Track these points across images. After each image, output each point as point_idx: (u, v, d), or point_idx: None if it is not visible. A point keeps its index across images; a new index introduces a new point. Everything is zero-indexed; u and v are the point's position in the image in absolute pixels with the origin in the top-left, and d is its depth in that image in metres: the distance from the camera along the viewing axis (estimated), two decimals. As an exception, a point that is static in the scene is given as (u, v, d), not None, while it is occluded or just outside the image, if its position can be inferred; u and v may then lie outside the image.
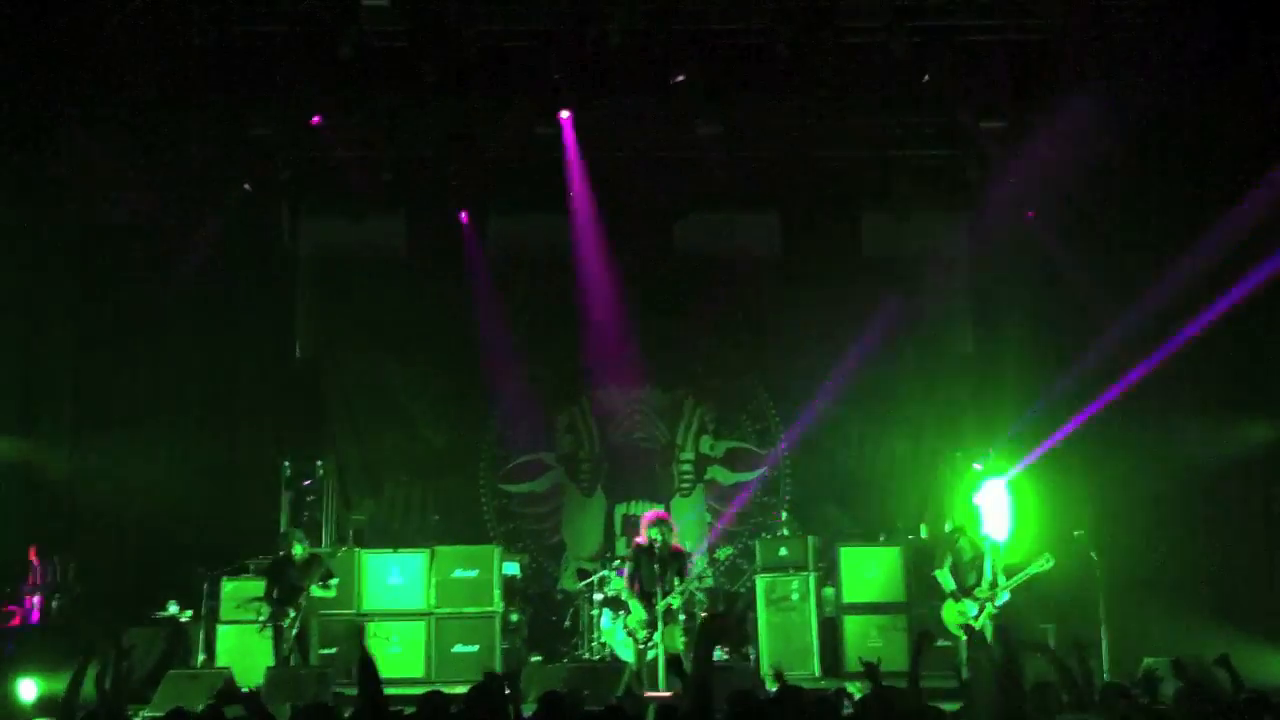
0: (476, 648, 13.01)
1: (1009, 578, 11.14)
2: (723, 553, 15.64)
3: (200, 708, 7.35)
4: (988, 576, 11.13)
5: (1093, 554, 11.57)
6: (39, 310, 13.62)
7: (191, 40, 12.23)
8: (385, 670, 12.19)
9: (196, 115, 13.12)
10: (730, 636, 13.04)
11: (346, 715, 7.45)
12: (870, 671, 7.20)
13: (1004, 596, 11.10)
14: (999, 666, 6.95)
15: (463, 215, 15.02)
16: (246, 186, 14.03)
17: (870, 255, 15.34)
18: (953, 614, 11.17)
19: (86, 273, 13.93)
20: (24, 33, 11.75)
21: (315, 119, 13.28)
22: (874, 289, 15.16)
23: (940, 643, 11.73)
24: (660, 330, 15.79)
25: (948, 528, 14.03)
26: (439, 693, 6.97)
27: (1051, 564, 11.03)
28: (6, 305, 13.27)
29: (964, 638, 11.12)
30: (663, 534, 11.55)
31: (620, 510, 15.88)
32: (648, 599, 11.43)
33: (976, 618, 11.04)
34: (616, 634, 12.83)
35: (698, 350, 16.05)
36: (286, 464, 14.77)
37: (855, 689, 9.06)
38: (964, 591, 11.13)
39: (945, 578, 11.28)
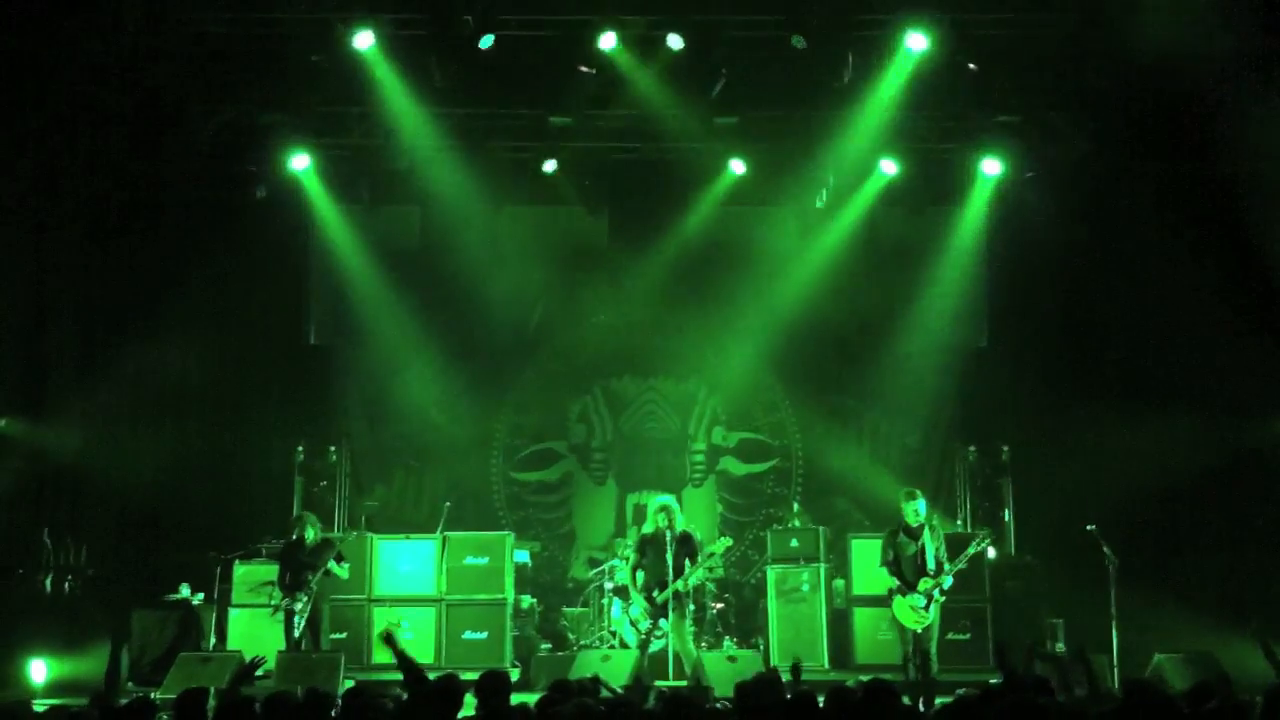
0: (486, 634, 13.05)
1: (951, 561, 11.09)
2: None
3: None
4: (931, 566, 11.04)
5: (1105, 548, 11.48)
6: (50, 293, 13.64)
7: (207, 27, 12.27)
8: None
9: (210, 100, 13.11)
10: None
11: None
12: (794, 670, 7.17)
13: (948, 582, 11.01)
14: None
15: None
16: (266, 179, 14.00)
17: (885, 248, 15.32)
18: (904, 609, 11.04)
19: (98, 256, 13.94)
20: (34, 17, 11.78)
21: None
22: (889, 281, 15.16)
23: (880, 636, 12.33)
24: (674, 321, 15.79)
25: (955, 522, 14.09)
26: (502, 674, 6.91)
27: (989, 542, 11.03)
28: (17, 287, 13.30)
29: (919, 630, 11.01)
30: (668, 519, 11.55)
31: (632, 500, 15.90)
32: (648, 590, 11.42)
33: (926, 609, 10.95)
34: (626, 623, 12.85)
35: (711, 342, 16.05)
36: (300, 448, 14.79)
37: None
38: (909, 586, 11.03)
39: (887, 575, 11.19)
